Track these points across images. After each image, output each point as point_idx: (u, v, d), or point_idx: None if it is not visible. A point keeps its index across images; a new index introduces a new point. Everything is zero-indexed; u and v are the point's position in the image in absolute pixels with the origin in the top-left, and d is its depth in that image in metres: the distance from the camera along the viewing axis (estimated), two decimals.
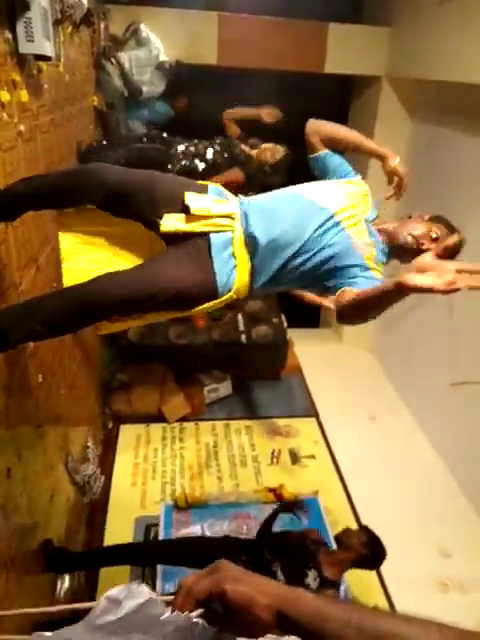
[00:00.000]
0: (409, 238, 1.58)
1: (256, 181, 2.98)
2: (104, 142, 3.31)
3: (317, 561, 2.05)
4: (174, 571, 2.68)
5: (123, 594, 0.65)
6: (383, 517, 3.23)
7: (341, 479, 3.65)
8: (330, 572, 2.04)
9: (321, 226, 1.47)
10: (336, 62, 4.45)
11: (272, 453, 3.84)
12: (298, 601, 0.61)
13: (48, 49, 1.93)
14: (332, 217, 1.49)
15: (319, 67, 4.45)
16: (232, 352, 4.31)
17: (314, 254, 1.47)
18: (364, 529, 2.24)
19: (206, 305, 1.46)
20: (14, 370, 1.81)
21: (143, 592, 0.65)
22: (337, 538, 2.23)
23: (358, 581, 2.62)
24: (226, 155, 3.05)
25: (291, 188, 1.60)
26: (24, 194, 1.49)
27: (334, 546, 2.24)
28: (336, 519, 3.26)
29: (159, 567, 2.81)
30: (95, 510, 3.13)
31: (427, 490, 3.60)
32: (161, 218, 1.42)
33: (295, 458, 3.83)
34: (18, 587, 1.80)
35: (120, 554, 2.46)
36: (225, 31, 4.24)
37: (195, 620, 0.63)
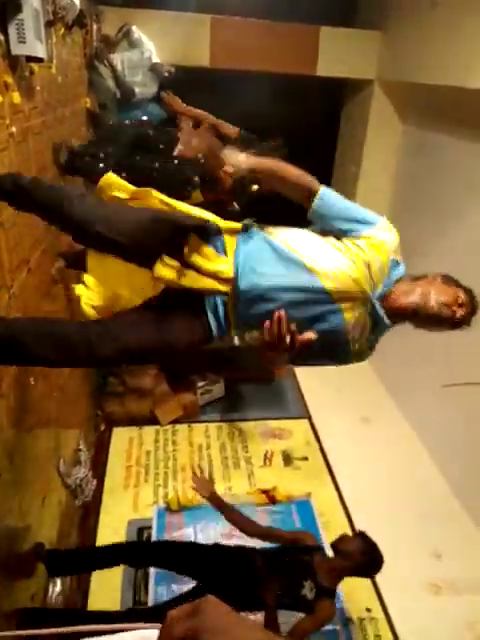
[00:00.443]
0: (444, 309, 1.40)
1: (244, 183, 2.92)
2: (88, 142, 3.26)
3: (313, 570, 1.99)
4: (166, 576, 2.68)
5: None
6: (375, 519, 3.24)
7: (333, 481, 3.66)
8: (327, 581, 1.98)
9: (317, 315, 1.40)
10: (328, 65, 4.47)
11: (265, 455, 3.85)
12: None
13: (40, 51, 1.93)
14: (331, 303, 1.40)
15: (311, 70, 4.48)
16: (225, 354, 4.30)
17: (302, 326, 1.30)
18: (361, 536, 2.16)
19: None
20: (6, 373, 1.80)
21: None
22: (333, 545, 2.13)
23: (351, 585, 2.62)
24: None
25: (295, 243, 1.44)
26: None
27: (329, 550, 2.18)
28: (328, 520, 3.27)
29: (151, 570, 2.81)
30: (87, 513, 3.11)
31: (419, 492, 3.62)
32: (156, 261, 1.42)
33: (288, 460, 3.83)
34: (10, 590, 1.79)
35: (113, 554, 2.43)
36: (218, 34, 4.25)
37: None
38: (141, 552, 2.45)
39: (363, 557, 2.05)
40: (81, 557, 2.52)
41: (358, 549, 2.06)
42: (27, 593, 2.04)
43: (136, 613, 2.42)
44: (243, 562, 2.14)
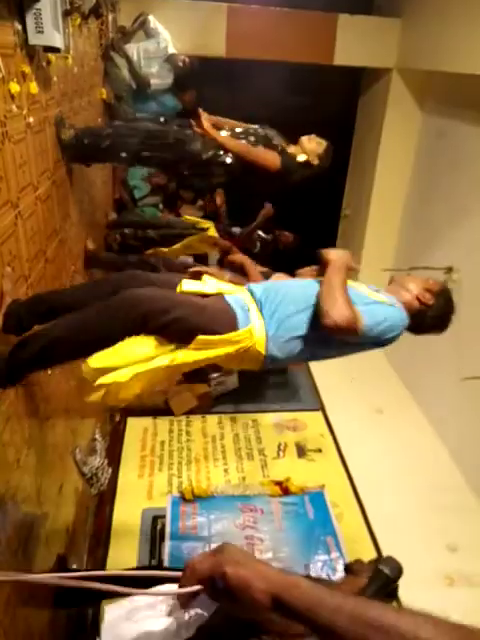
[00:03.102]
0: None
1: (294, 177, 2.68)
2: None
3: None
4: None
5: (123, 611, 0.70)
6: (389, 511, 3.24)
7: (347, 473, 3.65)
8: None
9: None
10: (346, 54, 4.41)
11: (279, 446, 3.85)
12: (295, 587, 0.63)
13: (57, 41, 1.93)
14: None
15: (329, 59, 4.42)
16: None
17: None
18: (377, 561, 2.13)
19: (229, 336, 1.51)
20: None
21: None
22: (347, 567, 2.10)
23: None
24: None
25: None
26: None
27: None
28: (342, 512, 3.26)
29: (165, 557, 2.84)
30: (103, 502, 3.15)
31: (434, 483, 3.60)
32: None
33: (302, 451, 3.83)
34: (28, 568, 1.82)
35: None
36: (234, 23, 4.21)
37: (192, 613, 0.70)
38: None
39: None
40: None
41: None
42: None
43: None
44: None
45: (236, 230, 3.91)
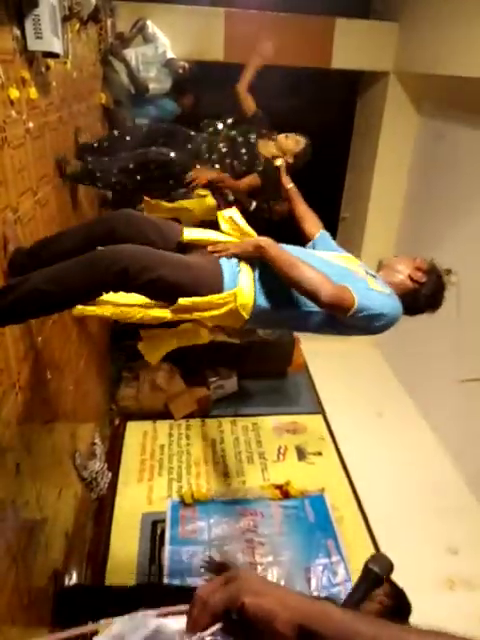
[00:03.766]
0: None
1: (273, 180, 2.81)
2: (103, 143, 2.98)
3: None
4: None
5: (126, 627, 0.61)
6: (390, 514, 3.24)
7: (348, 475, 3.65)
8: None
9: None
10: (343, 57, 4.43)
11: (278, 450, 3.85)
12: (324, 617, 0.57)
13: (56, 46, 1.94)
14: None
15: (326, 63, 4.44)
16: (238, 349, 4.31)
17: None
18: (388, 582, 1.99)
19: (210, 298, 1.49)
20: (23, 367, 1.83)
21: (148, 622, 0.61)
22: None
23: None
24: (243, 151, 2.84)
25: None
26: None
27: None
28: (342, 515, 3.26)
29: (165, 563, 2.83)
30: (102, 506, 3.15)
31: (434, 486, 3.59)
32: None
33: (302, 455, 3.83)
34: (27, 580, 1.81)
35: (126, 599, 2.38)
36: (232, 27, 4.23)
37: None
38: (156, 596, 2.39)
39: (390, 600, 1.93)
40: (91, 599, 2.43)
41: (385, 592, 1.94)
42: (44, 581, 2.07)
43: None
44: None
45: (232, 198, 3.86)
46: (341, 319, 1.49)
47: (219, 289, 1.52)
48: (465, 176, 3.96)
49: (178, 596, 2.34)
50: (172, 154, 2.66)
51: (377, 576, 1.73)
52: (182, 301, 1.46)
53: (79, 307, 1.45)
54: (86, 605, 2.33)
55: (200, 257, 1.59)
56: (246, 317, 1.53)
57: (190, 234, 1.64)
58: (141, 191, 2.71)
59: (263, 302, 1.55)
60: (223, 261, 1.57)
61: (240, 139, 2.86)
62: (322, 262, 1.59)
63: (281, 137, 2.77)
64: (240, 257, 1.58)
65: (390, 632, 0.56)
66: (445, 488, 3.62)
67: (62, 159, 2.39)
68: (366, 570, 1.68)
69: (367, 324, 1.52)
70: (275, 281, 1.54)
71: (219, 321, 1.59)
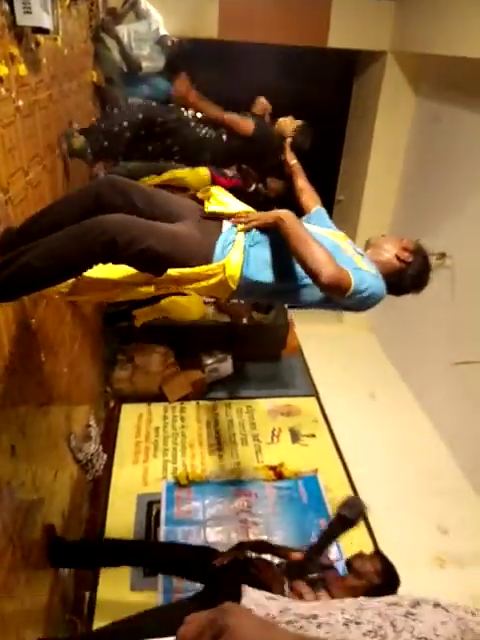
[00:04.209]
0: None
1: (273, 147, 2.91)
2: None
3: (327, 590, 1.86)
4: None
5: None
6: (382, 494, 3.28)
7: (341, 457, 3.69)
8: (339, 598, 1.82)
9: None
10: (340, 36, 4.35)
11: (272, 432, 3.88)
12: None
13: (46, 21, 1.88)
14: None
15: (322, 41, 4.36)
16: (233, 332, 4.31)
17: None
18: (379, 556, 2.04)
19: (199, 269, 1.49)
20: (17, 349, 1.82)
21: None
22: (349, 563, 2.01)
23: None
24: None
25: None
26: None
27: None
28: (335, 496, 3.30)
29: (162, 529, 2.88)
30: (98, 487, 3.17)
31: (426, 467, 3.65)
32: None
33: (295, 437, 3.86)
34: (24, 562, 1.83)
35: (120, 555, 2.39)
36: (226, 4, 4.14)
37: None
38: (146, 555, 2.40)
39: (379, 578, 1.93)
40: (85, 552, 2.48)
41: (375, 569, 1.95)
42: (40, 565, 2.09)
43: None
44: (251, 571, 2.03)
45: (229, 172, 3.88)
46: (334, 298, 1.50)
47: (208, 259, 1.51)
48: (462, 158, 3.93)
49: (166, 553, 2.36)
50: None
51: (347, 520, 1.81)
52: (171, 272, 1.46)
53: (69, 296, 1.46)
54: (80, 558, 2.41)
55: (189, 226, 1.57)
56: (234, 288, 1.53)
57: (212, 207, 1.64)
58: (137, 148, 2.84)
59: (253, 273, 1.55)
60: (224, 232, 1.57)
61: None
62: (315, 237, 1.59)
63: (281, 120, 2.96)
64: (259, 228, 1.59)
65: None
66: (437, 469, 3.68)
67: (68, 134, 2.41)
68: (337, 515, 1.75)
69: (356, 304, 1.53)
70: (268, 253, 1.55)
71: (206, 292, 1.60)
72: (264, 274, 1.56)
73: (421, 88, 4.60)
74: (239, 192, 2.89)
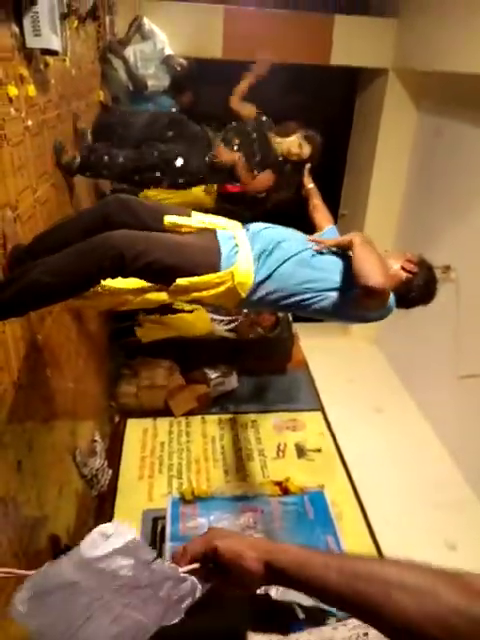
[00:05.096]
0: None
1: (287, 177, 2.82)
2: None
3: None
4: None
5: (111, 530, 0.69)
6: (389, 509, 3.25)
7: (347, 472, 3.66)
8: None
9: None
10: (342, 54, 4.42)
11: (278, 447, 3.86)
12: (284, 552, 0.67)
13: (55, 43, 1.93)
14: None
15: (325, 59, 4.43)
16: (238, 346, 4.31)
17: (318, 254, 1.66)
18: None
19: (208, 278, 1.51)
20: (23, 365, 1.83)
21: (130, 532, 0.69)
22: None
23: None
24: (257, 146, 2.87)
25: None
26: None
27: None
28: (341, 511, 3.27)
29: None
30: (103, 503, 3.15)
31: (433, 482, 3.61)
32: None
33: (301, 451, 3.84)
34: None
35: None
36: (230, 24, 4.22)
37: (184, 574, 0.69)
38: None
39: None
40: None
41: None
42: None
43: None
44: None
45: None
46: (363, 305, 1.52)
47: (215, 268, 1.53)
48: (464, 173, 3.96)
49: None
50: (179, 162, 2.70)
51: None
52: (180, 282, 1.48)
53: (77, 303, 1.48)
54: None
55: (195, 237, 1.60)
56: (243, 296, 1.54)
57: (171, 219, 1.66)
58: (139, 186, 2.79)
59: (264, 280, 1.56)
60: (221, 239, 1.59)
61: (254, 134, 2.90)
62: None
63: (294, 140, 2.80)
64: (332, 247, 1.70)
65: (341, 558, 0.66)
66: (444, 483, 3.64)
67: (59, 146, 2.37)
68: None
69: (376, 316, 1.60)
70: (277, 260, 1.58)
71: (216, 300, 1.60)
72: (277, 279, 1.58)
73: (422, 104, 4.65)
74: (241, 197, 2.93)
